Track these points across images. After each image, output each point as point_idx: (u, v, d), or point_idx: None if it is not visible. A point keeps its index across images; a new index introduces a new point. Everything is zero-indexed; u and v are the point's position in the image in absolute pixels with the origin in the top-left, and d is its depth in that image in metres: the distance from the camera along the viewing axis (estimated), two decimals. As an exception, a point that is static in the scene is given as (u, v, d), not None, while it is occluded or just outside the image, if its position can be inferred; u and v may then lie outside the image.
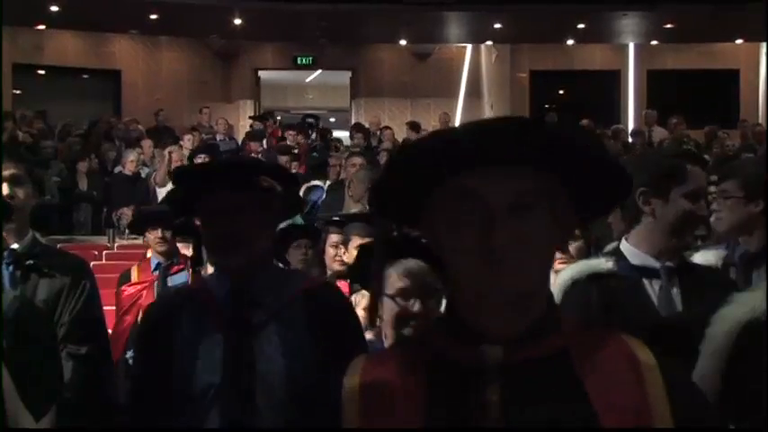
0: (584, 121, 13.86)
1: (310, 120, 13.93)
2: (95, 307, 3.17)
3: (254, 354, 2.25)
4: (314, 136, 13.14)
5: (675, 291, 2.54)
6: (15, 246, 3.01)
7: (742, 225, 3.22)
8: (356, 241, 4.10)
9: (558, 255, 3.49)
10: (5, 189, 2.98)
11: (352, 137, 13.29)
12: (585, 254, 3.34)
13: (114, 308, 5.38)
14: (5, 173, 2.99)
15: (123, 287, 5.37)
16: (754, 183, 3.18)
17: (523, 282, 1.20)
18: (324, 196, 8.43)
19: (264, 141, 12.60)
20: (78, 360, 2.97)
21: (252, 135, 12.53)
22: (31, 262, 3.01)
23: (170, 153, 10.01)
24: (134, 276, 5.41)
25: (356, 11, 15.20)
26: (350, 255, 4.17)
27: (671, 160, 2.72)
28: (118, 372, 4.51)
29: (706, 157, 11.16)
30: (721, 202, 3.29)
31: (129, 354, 4.99)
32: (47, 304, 2.97)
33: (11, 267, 2.98)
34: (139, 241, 8.86)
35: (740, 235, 3.28)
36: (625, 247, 2.62)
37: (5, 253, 2.97)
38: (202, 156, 9.49)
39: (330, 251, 4.60)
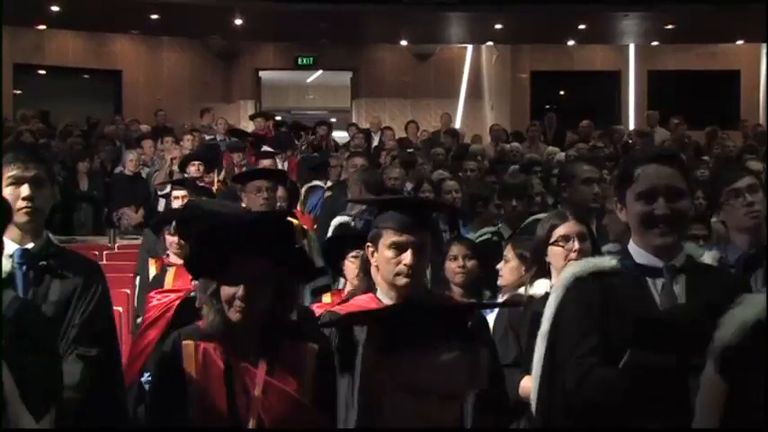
0: (584, 122, 13.86)
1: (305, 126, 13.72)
2: (107, 309, 3.19)
3: None
4: (304, 147, 12.74)
5: (679, 289, 2.55)
6: (29, 246, 3.02)
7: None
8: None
9: (572, 254, 3.53)
10: (27, 190, 2.99)
11: (352, 137, 13.28)
12: (591, 254, 3.38)
13: (121, 308, 5.19)
14: (29, 174, 3.01)
15: (153, 293, 4.36)
16: None
17: None
18: (324, 197, 8.42)
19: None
20: (88, 362, 2.99)
21: (233, 146, 11.42)
22: (44, 263, 3.02)
23: (172, 159, 9.96)
24: (168, 281, 4.44)
25: (357, 11, 15.20)
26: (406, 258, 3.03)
27: (624, 163, 2.77)
28: (129, 398, 3.92)
29: (705, 158, 11.19)
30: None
31: (146, 377, 4.17)
32: (58, 305, 2.98)
33: (24, 268, 2.99)
34: (140, 241, 8.83)
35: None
36: (631, 246, 2.65)
37: (17, 253, 2.98)
38: (196, 163, 8.79)
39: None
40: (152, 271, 5.12)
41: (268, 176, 5.69)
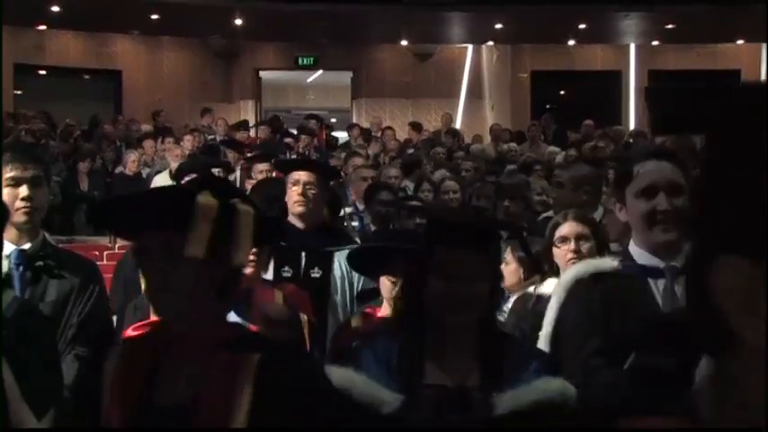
0: (587, 122, 13.85)
1: (312, 120, 13.70)
2: (104, 309, 3.18)
3: None
4: (315, 142, 12.65)
5: (680, 290, 2.54)
6: (26, 246, 3.02)
7: None
8: None
9: (569, 255, 3.49)
10: (26, 190, 3.00)
11: (354, 138, 13.29)
12: (596, 254, 3.35)
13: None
14: (27, 174, 3.01)
15: (131, 328, 2.36)
16: None
17: None
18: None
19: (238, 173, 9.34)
20: (85, 362, 2.98)
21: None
22: (41, 263, 3.02)
23: (175, 156, 9.87)
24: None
25: (357, 11, 15.21)
26: None
27: (621, 163, 2.76)
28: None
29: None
30: None
31: None
32: (56, 305, 2.98)
33: (21, 268, 2.99)
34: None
35: None
36: (632, 247, 2.64)
37: (14, 254, 2.98)
38: (192, 174, 6.59)
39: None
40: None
41: (309, 168, 4.41)
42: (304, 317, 3.38)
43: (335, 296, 4.00)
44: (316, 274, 3.93)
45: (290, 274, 3.91)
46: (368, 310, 3.33)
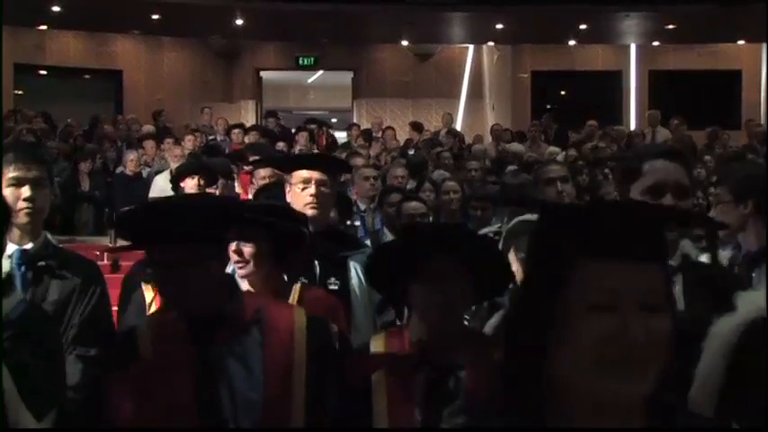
0: (591, 122, 13.85)
1: (312, 126, 13.68)
2: (106, 309, 3.18)
3: None
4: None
5: (678, 289, 2.54)
6: (28, 246, 3.02)
7: (735, 228, 3.27)
8: None
9: None
10: (28, 191, 2.99)
11: (354, 138, 13.29)
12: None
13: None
14: (30, 174, 3.01)
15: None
16: (742, 186, 3.22)
17: None
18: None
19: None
20: (87, 362, 2.98)
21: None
22: (43, 263, 3.02)
23: (174, 156, 9.86)
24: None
25: (358, 11, 15.22)
26: None
27: (626, 160, 2.75)
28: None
29: (708, 158, 11.18)
30: (716, 207, 3.34)
31: None
32: (57, 306, 2.98)
33: (23, 268, 2.98)
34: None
35: (735, 235, 3.33)
36: None
37: (16, 254, 2.98)
38: (195, 176, 6.31)
39: None
40: (148, 298, 3.57)
41: (318, 164, 3.72)
42: (333, 327, 2.80)
43: (358, 309, 3.43)
44: (334, 285, 3.36)
45: None
46: (395, 329, 2.61)
